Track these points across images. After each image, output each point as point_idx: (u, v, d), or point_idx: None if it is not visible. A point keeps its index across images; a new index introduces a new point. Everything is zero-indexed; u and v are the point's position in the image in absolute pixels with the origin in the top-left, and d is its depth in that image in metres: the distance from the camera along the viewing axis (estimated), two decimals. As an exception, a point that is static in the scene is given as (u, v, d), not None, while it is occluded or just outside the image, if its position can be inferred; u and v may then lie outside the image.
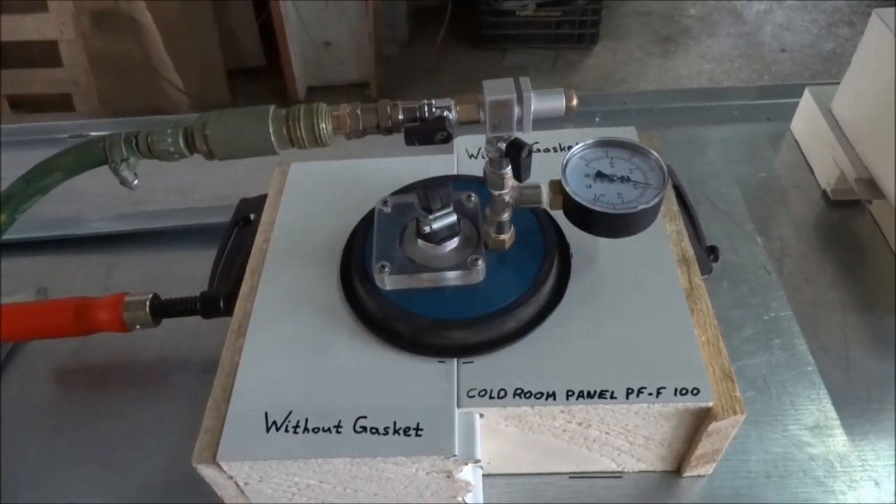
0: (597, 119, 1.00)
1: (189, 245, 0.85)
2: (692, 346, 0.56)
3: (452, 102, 0.51)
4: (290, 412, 0.54)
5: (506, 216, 0.59)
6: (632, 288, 0.61)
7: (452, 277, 0.58)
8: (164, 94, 2.20)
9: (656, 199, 0.55)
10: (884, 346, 0.70)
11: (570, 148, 0.59)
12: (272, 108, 0.51)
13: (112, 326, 0.67)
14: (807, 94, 0.93)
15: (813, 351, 0.70)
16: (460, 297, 0.58)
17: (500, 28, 2.80)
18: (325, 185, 0.72)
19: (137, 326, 0.67)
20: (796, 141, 0.95)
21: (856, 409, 0.65)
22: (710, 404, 0.53)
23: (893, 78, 0.77)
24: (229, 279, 0.69)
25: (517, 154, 0.51)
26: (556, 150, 0.73)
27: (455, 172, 0.72)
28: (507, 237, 0.60)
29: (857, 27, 2.88)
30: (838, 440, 0.63)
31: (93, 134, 1.03)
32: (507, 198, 0.57)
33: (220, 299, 0.66)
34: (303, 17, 2.44)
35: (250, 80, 2.61)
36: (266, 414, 0.54)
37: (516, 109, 0.49)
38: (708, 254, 0.69)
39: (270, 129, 0.51)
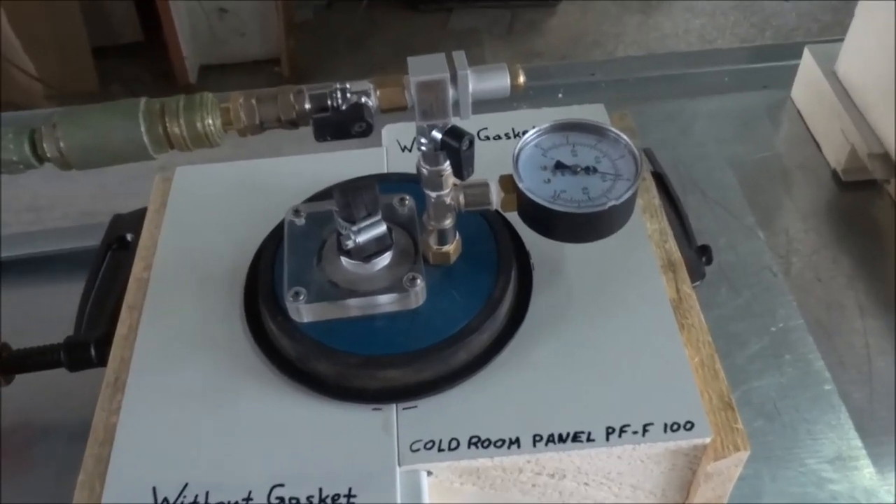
0: (560, 95, 1.02)
1: (48, 277, 0.84)
2: (683, 371, 0.57)
3: (372, 86, 0.51)
4: (186, 485, 0.53)
5: (448, 223, 0.59)
6: (607, 303, 0.62)
7: (386, 302, 0.58)
8: (12, 83, 2.15)
9: (629, 193, 0.56)
10: (913, 356, 0.73)
11: (524, 134, 0.60)
12: (143, 101, 0.51)
13: (-51, 388, 0.65)
14: (807, 54, 0.96)
15: (830, 367, 0.73)
16: (397, 326, 0.58)
17: (441, -18, 2.82)
18: (220, 194, 0.72)
19: (-17, 386, 0.66)
20: (799, 112, 0.98)
21: (883, 435, 0.68)
22: (708, 440, 0.54)
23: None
24: (101, 319, 0.67)
25: (456, 146, 0.51)
26: (508, 137, 0.74)
27: (385, 170, 0.73)
28: (451, 249, 0.61)
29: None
30: (864, 473, 0.66)
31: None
32: (448, 200, 0.58)
33: (89, 346, 0.65)
34: (189, -23, 2.42)
35: (126, 61, 2.57)
36: (154, 490, 0.53)
37: (450, 91, 0.50)
38: (699, 255, 0.70)
39: (142, 129, 0.50)
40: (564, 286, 0.63)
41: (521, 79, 0.51)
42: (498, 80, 0.51)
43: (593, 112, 0.74)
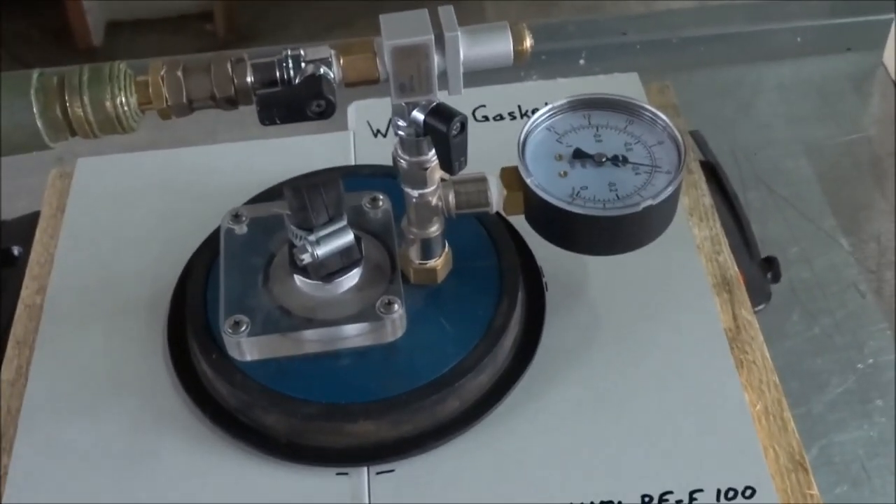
0: (581, 61, 1.03)
1: None
2: (741, 421, 0.58)
3: (333, 52, 0.52)
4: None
5: (435, 230, 0.60)
6: (642, 334, 0.63)
7: (354, 334, 0.59)
8: None
9: (671, 190, 0.57)
10: None
11: (533, 113, 0.61)
12: (35, 74, 0.51)
13: None
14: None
15: (935, 416, 0.73)
16: (368, 366, 0.59)
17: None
18: (136, 193, 0.72)
19: None
20: (894, 82, 0.98)
21: None
22: (774, 512, 0.55)
23: None
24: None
25: (443, 130, 0.52)
26: (513, 117, 0.75)
27: (351, 161, 0.73)
28: (438, 264, 0.62)
29: None
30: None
31: None
32: (433, 200, 0.58)
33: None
34: None
35: (7, 16, 2.58)
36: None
37: (436, 59, 0.50)
38: (764, 270, 0.71)
39: (35, 109, 0.50)
40: (586, 312, 0.64)
41: (528, 42, 0.52)
42: (497, 44, 0.52)
43: (624, 83, 0.75)
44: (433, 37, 0.50)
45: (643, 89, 0.75)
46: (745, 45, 1.06)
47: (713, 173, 0.75)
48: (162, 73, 0.52)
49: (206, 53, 0.53)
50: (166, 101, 0.52)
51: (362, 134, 0.75)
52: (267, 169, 0.69)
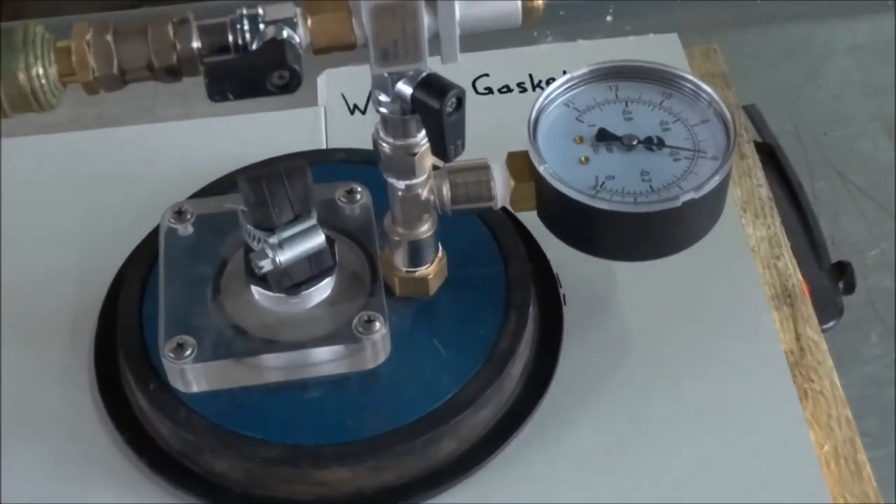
0: (608, 18, 1.02)
1: None
2: (805, 464, 0.58)
3: (299, 11, 0.52)
4: None
5: (425, 230, 0.60)
6: (681, 358, 0.63)
7: (325, 360, 0.59)
8: None
9: (717, 180, 0.57)
10: None
11: (548, 84, 0.61)
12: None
13: None
14: None
15: None
16: (343, 399, 0.59)
17: None
18: (55, 182, 0.73)
19: None
20: None
21: None
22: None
23: None
24: None
25: (435, 106, 0.52)
26: (522, 89, 0.75)
27: (322, 144, 0.74)
28: (430, 272, 0.62)
29: None
30: None
31: None
32: (424, 193, 0.59)
33: None
34: None
35: None
36: None
37: (425, 19, 0.51)
38: (835, 279, 0.72)
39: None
40: (613, 332, 0.65)
41: (540, -2, 0.53)
42: (502, 1, 0.52)
43: (661, 46, 0.76)
44: (420, -9, 0.50)
45: (684, 54, 0.75)
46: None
47: (772, 158, 0.75)
48: (88, 37, 0.52)
49: (141, 9, 0.53)
50: (93, 73, 0.52)
51: (335, 110, 0.76)
52: (217, 154, 0.70)
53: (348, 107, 0.76)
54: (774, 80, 0.94)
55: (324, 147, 0.74)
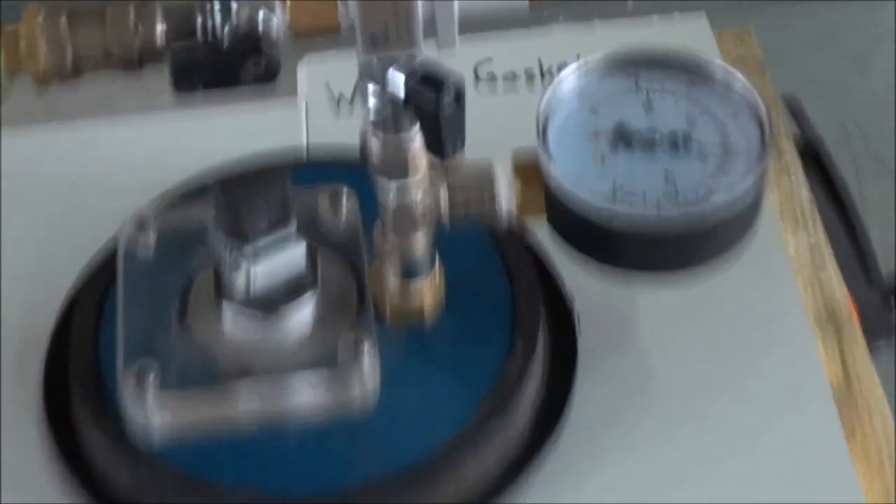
0: (629, 3, 1.03)
1: None
2: (854, 509, 0.58)
3: (278, -11, 0.52)
4: None
5: (420, 240, 0.60)
6: (711, 391, 0.63)
7: (305, 391, 0.58)
8: None
9: (751, 182, 0.57)
10: None
11: (559, 72, 0.61)
12: None
13: None
14: None
15: None
16: (326, 438, 0.59)
17: None
18: (3, 187, 0.72)
19: None
20: None
21: None
22: None
23: None
24: None
25: (432, 98, 0.52)
26: (530, 78, 0.75)
27: (302, 142, 0.74)
28: (426, 290, 0.62)
29: None
30: None
31: None
32: (418, 199, 0.58)
33: None
34: None
35: None
36: None
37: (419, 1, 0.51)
38: (886, 296, 0.72)
39: None
40: (635, 361, 0.64)
41: (550, -24, 0.52)
42: (507, -20, 0.52)
43: (687, 28, 0.76)
44: (414, -31, 0.50)
45: (714, 36, 0.75)
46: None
47: (815, 156, 0.75)
48: (38, 20, 0.52)
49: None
50: (44, 61, 0.52)
51: (318, 103, 0.76)
52: (184, 154, 0.69)
53: (333, 97, 0.76)
54: (816, 66, 0.94)
55: (304, 144, 0.74)
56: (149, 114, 0.74)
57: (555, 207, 0.59)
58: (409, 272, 0.61)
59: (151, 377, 0.57)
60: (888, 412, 0.62)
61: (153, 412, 0.57)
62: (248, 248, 0.57)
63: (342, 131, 0.68)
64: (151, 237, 0.63)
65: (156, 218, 0.64)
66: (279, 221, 0.58)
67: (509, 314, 0.62)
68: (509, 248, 0.65)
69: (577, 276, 0.64)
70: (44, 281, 0.67)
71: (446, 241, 0.62)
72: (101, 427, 0.59)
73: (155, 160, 0.70)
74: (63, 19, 0.52)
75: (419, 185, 0.58)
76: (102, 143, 0.74)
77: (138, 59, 0.52)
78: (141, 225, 0.63)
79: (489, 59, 0.75)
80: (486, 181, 0.59)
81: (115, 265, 0.63)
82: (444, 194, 0.59)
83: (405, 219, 0.59)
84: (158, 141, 0.73)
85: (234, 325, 0.60)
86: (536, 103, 0.59)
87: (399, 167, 0.56)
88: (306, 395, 0.58)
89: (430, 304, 0.62)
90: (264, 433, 0.58)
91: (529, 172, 0.59)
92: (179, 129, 0.73)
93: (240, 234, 0.57)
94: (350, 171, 0.63)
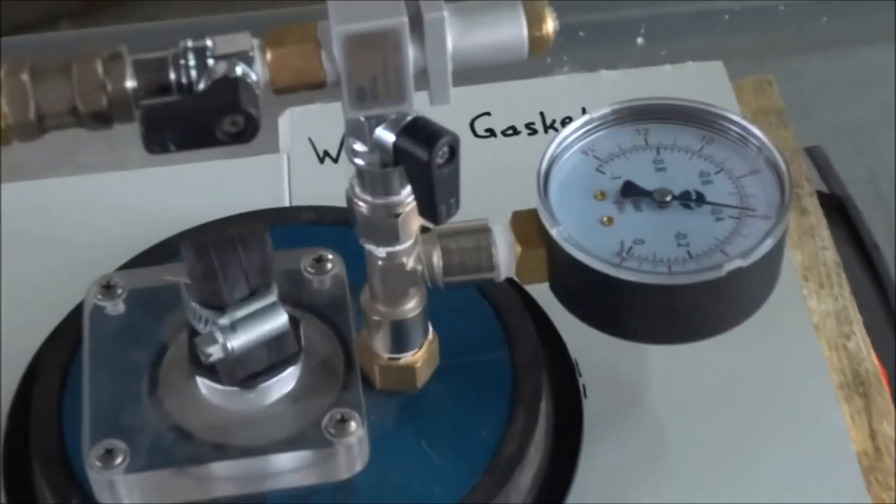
0: (639, 39, 1.03)
1: None
2: None
3: (257, 43, 0.51)
4: None
5: (412, 307, 0.60)
6: (728, 465, 0.62)
7: (288, 469, 0.58)
8: None
9: (770, 243, 0.56)
10: None
11: (563, 126, 0.61)
12: None
13: None
14: None
15: None
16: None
17: None
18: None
19: None
20: None
21: None
22: None
23: None
24: None
25: (423, 158, 0.51)
26: (532, 132, 0.75)
27: (286, 200, 0.74)
28: (417, 359, 0.61)
29: None
30: None
31: None
32: (410, 262, 0.58)
33: None
34: None
35: None
36: None
37: (411, 52, 0.51)
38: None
39: None
40: (645, 430, 0.64)
41: (550, 25, 0.52)
42: (503, 29, 0.52)
43: (702, 77, 0.76)
44: (406, 19, 0.50)
45: (731, 86, 0.75)
46: (891, 15, 1.06)
47: (841, 213, 0.74)
48: (2, 73, 0.52)
49: (63, 31, 0.53)
50: (5, 119, 0.51)
51: (301, 158, 0.76)
52: (156, 214, 0.69)
53: (317, 154, 0.76)
54: (843, 117, 0.93)
55: (287, 204, 0.73)
56: (115, 168, 0.74)
57: (558, 272, 0.59)
58: (399, 345, 0.61)
59: (120, 458, 0.56)
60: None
61: (121, 495, 0.57)
62: (225, 319, 0.56)
63: (327, 190, 0.67)
64: (120, 303, 0.63)
65: (124, 282, 0.63)
66: (259, 289, 0.57)
67: (510, 382, 0.62)
68: (509, 312, 0.65)
69: (581, 341, 0.64)
70: (5, 347, 0.68)
71: (441, 306, 0.62)
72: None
73: (123, 220, 0.70)
74: (25, 74, 0.51)
75: (410, 251, 0.58)
76: (67, 199, 0.74)
77: (106, 117, 0.52)
78: (108, 289, 0.63)
79: (488, 113, 0.76)
80: (483, 244, 0.59)
81: (80, 330, 0.62)
82: (437, 260, 0.59)
83: (395, 287, 0.59)
84: (127, 198, 0.73)
85: (209, 399, 0.60)
86: (538, 161, 0.59)
87: (388, 233, 0.56)
88: (288, 476, 0.58)
89: (423, 374, 0.62)
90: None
91: (530, 235, 0.59)
92: (151, 186, 0.74)
93: (215, 305, 0.57)
94: (336, 232, 0.64)
